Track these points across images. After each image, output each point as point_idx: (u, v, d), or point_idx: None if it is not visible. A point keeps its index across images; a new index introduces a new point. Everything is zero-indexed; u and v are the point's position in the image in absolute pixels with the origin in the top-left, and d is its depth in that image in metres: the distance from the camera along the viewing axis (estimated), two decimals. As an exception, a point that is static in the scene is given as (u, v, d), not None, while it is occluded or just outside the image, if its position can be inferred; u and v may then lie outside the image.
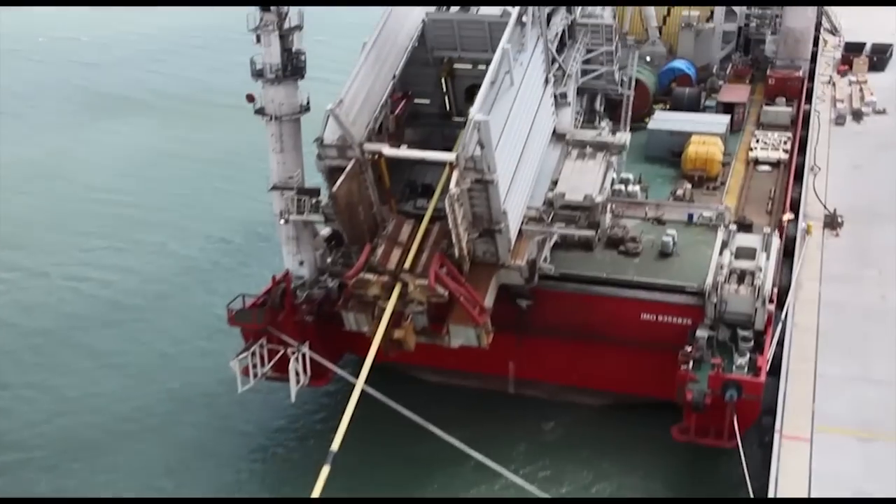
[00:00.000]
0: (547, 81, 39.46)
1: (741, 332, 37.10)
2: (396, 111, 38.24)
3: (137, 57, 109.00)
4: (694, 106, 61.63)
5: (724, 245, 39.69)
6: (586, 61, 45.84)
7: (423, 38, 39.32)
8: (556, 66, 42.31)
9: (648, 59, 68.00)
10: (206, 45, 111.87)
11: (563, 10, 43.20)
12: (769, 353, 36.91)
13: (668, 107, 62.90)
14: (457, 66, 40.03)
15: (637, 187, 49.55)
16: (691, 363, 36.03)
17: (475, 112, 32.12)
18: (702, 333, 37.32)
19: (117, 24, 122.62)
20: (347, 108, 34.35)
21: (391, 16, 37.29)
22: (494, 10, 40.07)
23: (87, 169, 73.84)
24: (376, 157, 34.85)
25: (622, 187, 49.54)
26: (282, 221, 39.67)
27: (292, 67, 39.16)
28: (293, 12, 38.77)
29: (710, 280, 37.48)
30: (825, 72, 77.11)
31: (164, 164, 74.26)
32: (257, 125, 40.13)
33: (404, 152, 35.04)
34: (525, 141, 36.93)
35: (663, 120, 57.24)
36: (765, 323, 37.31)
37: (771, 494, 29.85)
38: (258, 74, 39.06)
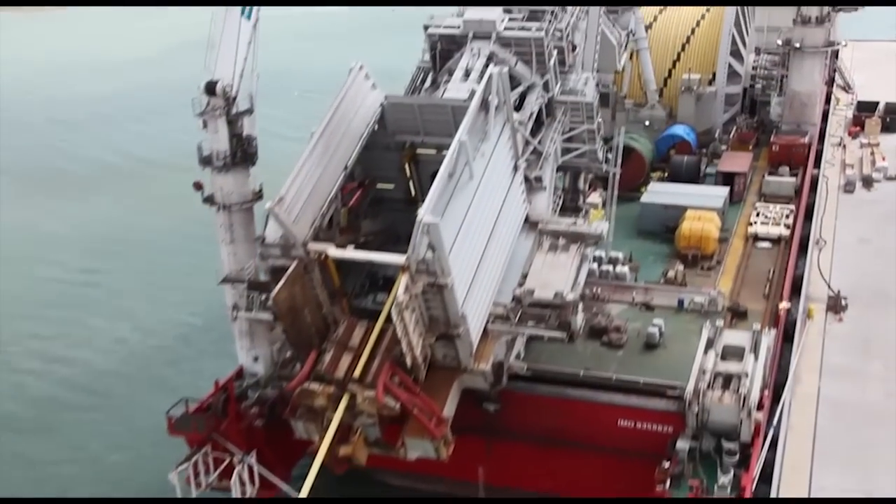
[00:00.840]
0: (516, 168, 36.63)
1: (726, 444, 33.76)
2: (350, 203, 35.51)
3: (91, 122, 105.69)
4: (693, 175, 58.63)
5: (710, 343, 36.45)
6: (568, 139, 43.07)
7: (384, 121, 36.69)
8: (531, 148, 39.57)
9: (647, 123, 65.31)
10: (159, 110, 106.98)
11: (538, 88, 40.53)
12: (757, 467, 33.55)
13: (666, 175, 59.93)
14: (420, 151, 37.33)
15: (626, 268, 46.74)
16: (668, 481, 32.74)
17: (424, 212, 29.38)
18: (682, 445, 34.01)
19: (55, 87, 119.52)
20: (290, 205, 31.73)
21: (343, 102, 34.75)
22: (460, 93, 37.59)
23: (41, 246, 71.02)
24: (322, 257, 32.12)
25: (610, 268, 46.75)
26: (232, 317, 37.07)
27: (242, 154, 36.76)
28: (243, 95, 36.41)
29: (690, 387, 34.23)
30: (836, 133, 74.12)
31: (125, 238, 71.60)
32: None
33: (351, 254, 32.32)
34: (489, 236, 34.08)
35: (657, 192, 54.22)
36: (752, 434, 33.95)
37: None
38: (205, 161, 36.66)
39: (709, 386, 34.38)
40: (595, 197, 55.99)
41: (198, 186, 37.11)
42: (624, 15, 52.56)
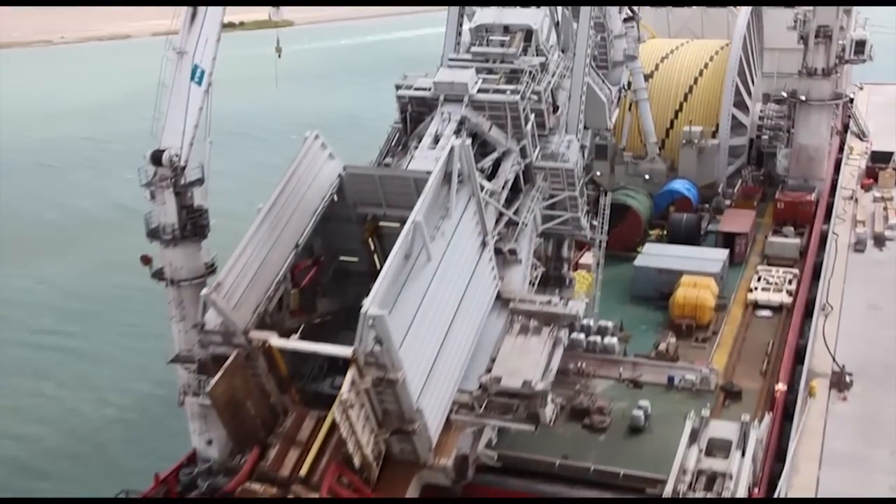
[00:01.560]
0: (485, 244, 33.99)
1: (708, 552, 30.75)
2: (304, 282, 32.97)
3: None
4: (692, 234, 55.78)
5: (694, 436, 33.46)
6: (550, 205, 40.52)
7: (343, 193, 34.23)
8: (505, 219, 37.00)
9: (647, 177, 62.69)
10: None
11: (514, 154, 38.00)
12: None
13: (664, 233, 57.09)
14: (383, 224, 34.81)
15: (615, 340, 43.94)
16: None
17: (369, 303, 26.77)
18: (662, 551, 31.07)
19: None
20: (230, 290, 29.25)
21: (296, 174, 32.34)
22: (427, 161, 35.08)
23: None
24: (265, 345, 29.57)
25: (598, 339, 43.98)
26: (179, 401, 34.59)
27: (192, 226, 34.39)
28: (192, 165, 34.13)
29: (669, 488, 31.25)
30: (848, 184, 71.13)
31: (90, 296, 68.72)
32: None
33: (293, 344, 29.72)
34: (451, 320, 31.38)
35: (652, 255, 51.36)
36: (737, 540, 30.91)
37: None
38: (153, 235, 34.32)
39: (690, 487, 31.40)
40: (589, 257, 53.42)
41: (146, 260, 34.79)
42: (615, 70, 49.98)
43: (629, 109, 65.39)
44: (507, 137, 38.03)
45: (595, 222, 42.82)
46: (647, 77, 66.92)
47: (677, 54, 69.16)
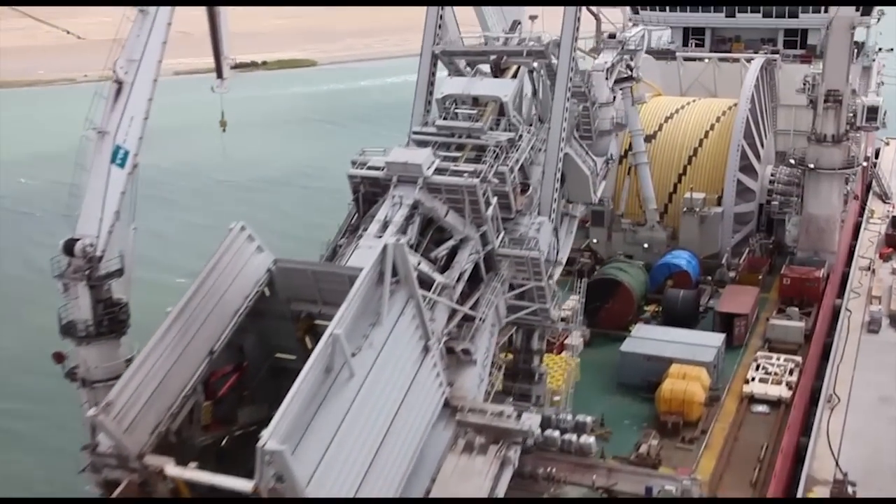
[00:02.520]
0: (427, 349, 30.44)
1: None
2: (222, 391, 29.60)
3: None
4: (689, 313, 51.82)
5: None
6: (519, 295, 37.03)
7: (274, 288, 30.96)
8: (460, 315, 33.49)
9: (646, 245, 58.89)
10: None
11: (473, 242, 34.52)
12: None
13: (658, 310, 53.17)
14: (318, 322, 31.44)
15: (592, 439, 39.88)
16: None
17: (267, 435, 23.31)
18: None
19: None
20: (123, 410, 25.97)
21: (214, 272, 29.11)
22: (372, 252, 31.65)
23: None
24: (161, 472, 26.17)
25: (573, 438, 40.05)
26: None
27: (109, 323, 31.25)
28: (111, 255, 31.05)
29: None
30: (867, 253, 66.79)
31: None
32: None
33: (188, 474, 26.19)
34: (383, 440, 27.83)
35: (640, 339, 47.36)
36: None
37: None
38: (66, 331, 31.23)
39: None
40: (575, 338, 49.65)
41: (58, 358, 31.69)
42: (601, 140, 46.35)
43: (628, 173, 61.97)
44: (465, 223, 34.61)
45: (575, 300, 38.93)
46: (650, 138, 63.48)
47: (682, 114, 65.60)
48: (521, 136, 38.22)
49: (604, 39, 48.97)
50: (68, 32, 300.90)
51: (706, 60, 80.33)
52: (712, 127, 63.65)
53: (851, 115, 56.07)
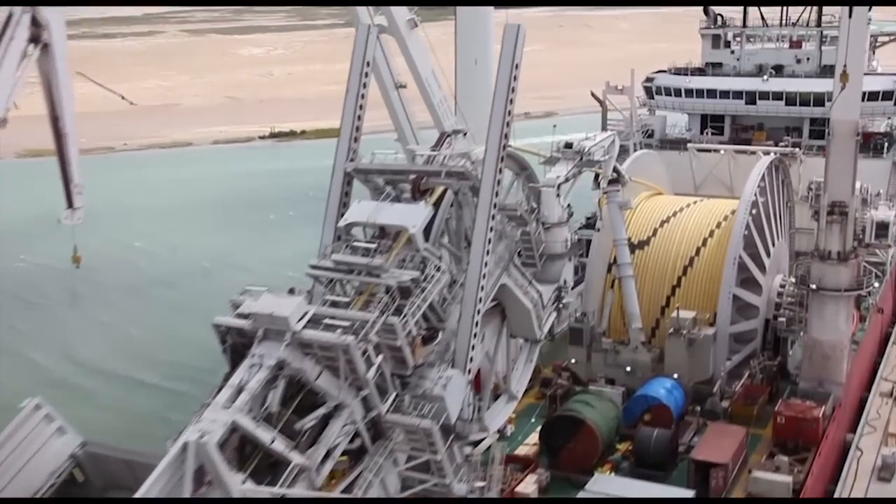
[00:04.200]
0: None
1: None
2: None
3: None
4: (663, 458, 45.15)
5: None
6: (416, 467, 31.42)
7: (86, 473, 25.89)
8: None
9: (629, 369, 52.62)
10: None
11: (350, 409, 29.11)
12: None
13: (630, 450, 46.61)
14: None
15: None
16: None
17: None
18: None
19: None
20: None
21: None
22: (214, 427, 26.52)
23: None
24: None
25: None
26: None
27: None
28: None
29: None
30: (891, 374, 59.52)
31: None
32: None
33: None
34: None
35: (594, 495, 40.81)
36: None
37: None
38: None
39: None
40: (530, 482, 43.77)
41: None
42: (552, 265, 40.55)
43: (611, 287, 55.96)
44: (340, 387, 29.25)
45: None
46: (642, 244, 57.68)
47: (680, 217, 59.43)
48: (432, 274, 32.88)
49: (560, 149, 43.42)
50: (122, 97, 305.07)
51: (721, 152, 74.65)
52: (711, 233, 57.35)
53: (860, 230, 49.45)
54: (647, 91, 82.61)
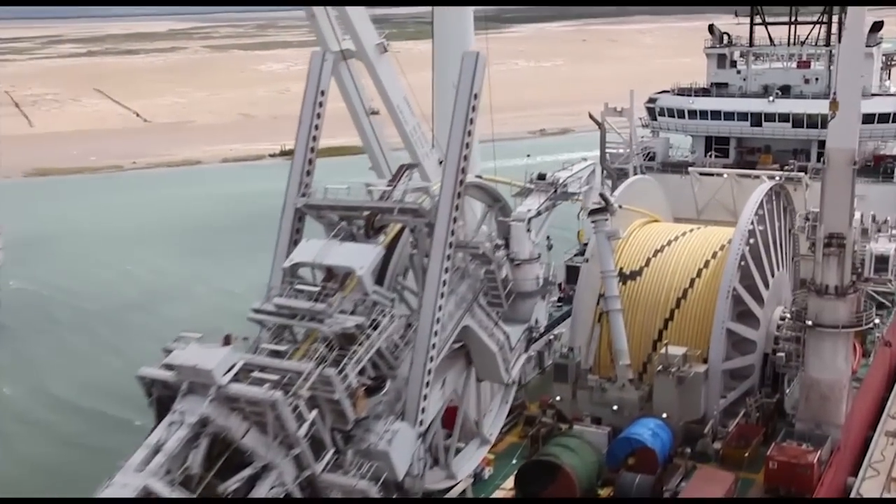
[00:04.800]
0: None
1: None
2: None
3: None
4: (646, 509, 42.60)
5: None
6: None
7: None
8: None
9: (616, 407, 49.97)
10: None
11: (279, 470, 26.93)
12: None
13: (611, 496, 44.02)
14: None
15: None
16: None
17: None
18: None
19: None
20: None
21: None
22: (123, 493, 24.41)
23: None
24: None
25: None
26: None
27: None
28: None
29: None
30: (896, 411, 56.63)
31: None
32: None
33: None
34: None
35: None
36: None
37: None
38: None
39: None
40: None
41: None
42: (522, 304, 38.17)
43: (598, 321, 53.46)
44: (269, 445, 27.06)
45: None
46: (634, 276, 55.12)
47: (675, 246, 56.75)
48: (378, 320, 30.69)
49: (533, 180, 41.05)
50: (137, 115, 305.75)
51: (724, 176, 71.92)
52: (706, 264, 54.64)
53: (859, 263, 46.71)
54: (650, 112, 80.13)
